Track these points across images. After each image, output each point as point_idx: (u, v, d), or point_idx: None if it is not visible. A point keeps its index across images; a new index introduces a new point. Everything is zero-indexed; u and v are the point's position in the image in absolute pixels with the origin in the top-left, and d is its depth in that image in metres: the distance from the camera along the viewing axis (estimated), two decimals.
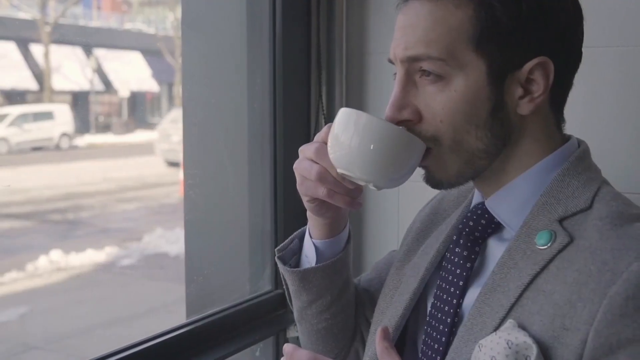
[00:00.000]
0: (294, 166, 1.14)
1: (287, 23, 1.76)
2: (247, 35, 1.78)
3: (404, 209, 1.82)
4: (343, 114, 1.06)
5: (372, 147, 1.01)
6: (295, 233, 1.29)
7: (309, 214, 1.22)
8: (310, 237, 1.25)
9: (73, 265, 6.08)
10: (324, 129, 1.10)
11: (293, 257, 1.28)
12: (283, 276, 1.28)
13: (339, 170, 1.06)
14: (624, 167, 1.52)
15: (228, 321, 1.65)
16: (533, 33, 1.01)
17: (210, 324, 1.60)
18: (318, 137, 1.12)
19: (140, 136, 10.62)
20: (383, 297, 1.25)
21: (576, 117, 1.53)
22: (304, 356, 0.96)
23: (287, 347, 1.00)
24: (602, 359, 0.90)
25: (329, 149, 1.07)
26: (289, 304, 1.33)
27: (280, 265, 1.26)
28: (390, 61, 1.09)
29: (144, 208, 7.82)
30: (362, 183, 1.07)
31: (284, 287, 1.31)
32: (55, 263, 5.97)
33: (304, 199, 1.17)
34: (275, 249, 1.27)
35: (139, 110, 11.01)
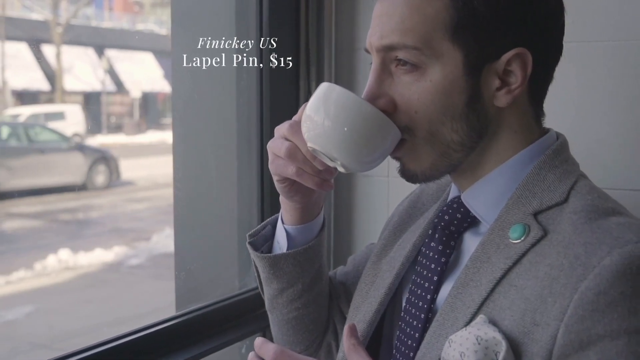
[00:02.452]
0: (267, 144, 1.13)
1: (275, 18, 1.74)
2: (236, 30, 1.77)
3: (394, 201, 1.80)
4: (323, 88, 1.03)
5: (349, 125, 0.99)
6: (268, 219, 1.28)
7: (281, 198, 1.21)
8: (283, 223, 1.24)
9: (81, 264, 6.09)
10: (302, 107, 1.08)
11: (266, 244, 1.26)
12: (254, 262, 1.26)
13: (309, 144, 1.04)
14: (618, 163, 1.50)
15: (214, 316, 1.65)
16: (511, 24, 0.99)
17: (197, 318, 1.61)
18: (296, 116, 1.11)
19: (151, 136, 10.65)
20: (358, 292, 1.23)
21: (567, 113, 1.52)
22: (271, 349, 0.95)
23: (257, 341, 0.99)
24: (573, 356, 0.88)
25: (302, 123, 1.04)
26: (260, 292, 1.32)
27: (251, 251, 1.24)
28: (367, 51, 1.07)
29: (154, 208, 7.83)
30: (331, 163, 1.05)
31: (256, 274, 1.29)
32: (63, 262, 5.99)
33: (275, 179, 1.15)
34: (247, 235, 1.25)
35: (151, 110, 11.05)
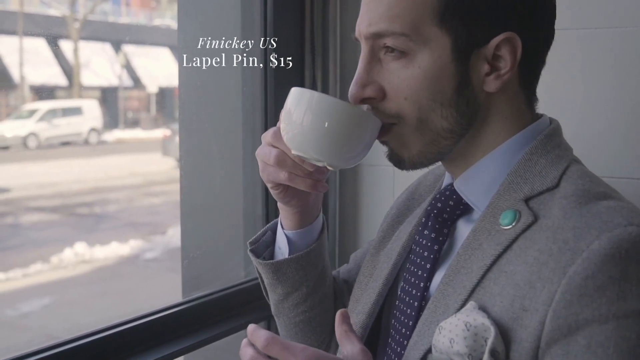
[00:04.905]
0: (256, 153, 1.13)
1: (280, 9, 1.75)
2: (241, 19, 1.78)
3: (399, 191, 1.79)
4: (293, 93, 1.04)
5: (324, 126, 0.99)
6: (268, 225, 1.28)
7: (279, 204, 1.21)
8: (282, 228, 1.24)
9: (97, 257, 6.15)
10: (281, 113, 1.08)
11: (267, 250, 1.26)
12: (257, 269, 1.27)
13: (293, 152, 1.05)
14: (623, 151, 1.50)
15: (220, 304, 1.67)
16: (499, 8, 0.98)
17: (202, 305, 1.63)
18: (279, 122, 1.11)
19: (168, 131, 10.69)
20: (358, 285, 1.24)
21: (570, 101, 1.51)
22: (262, 336, 0.94)
23: (249, 327, 0.99)
24: (561, 340, 0.88)
25: (282, 131, 1.05)
26: (266, 297, 1.32)
27: (253, 258, 1.24)
28: (356, 39, 1.07)
29: (170, 202, 7.87)
30: (319, 164, 1.05)
31: (260, 280, 1.30)
32: (80, 255, 6.05)
33: (269, 187, 1.15)
34: (248, 242, 1.26)
35: (167, 105, 11.08)
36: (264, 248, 1.26)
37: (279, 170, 1.09)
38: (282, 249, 1.24)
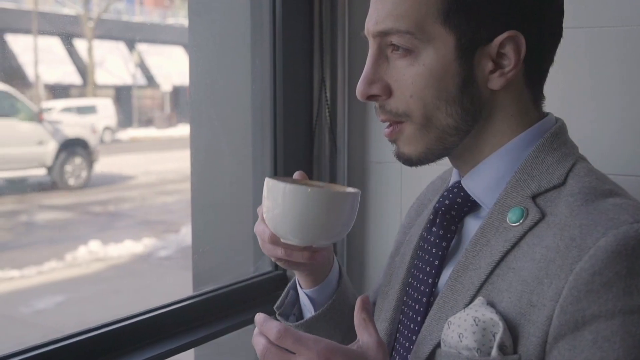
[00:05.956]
0: (254, 229, 1.16)
1: (288, 5, 1.76)
2: (251, 18, 1.79)
3: (407, 187, 1.82)
4: (266, 185, 1.05)
5: (299, 215, 1.01)
6: (288, 285, 1.30)
7: None
8: (301, 287, 1.25)
9: (111, 255, 6.18)
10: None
11: (294, 307, 1.28)
12: None
13: (281, 239, 1.07)
14: (633, 150, 1.50)
15: (230, 298, 1.70)
16: (503, 7, 0.99)
17: (212, 299, 1.66)
18: None
19: (182, 130, 10.72)
20: (380, 296, 1.25)
21: (577, 99, 1.51)
22: (274, 327, 0.95)
23: (258, 317, 0.99)
24: (568, 336, 0.89)
25: (265, 218, 1.07)
26: None
27: (283, 322, 1.25)
28: (365, 37, 1.08)
29: (184, 201, 7.89)
30: (303, 244, 1.07)
31: None
32: (93, 253, 6.08)
33: (272, 259, 1.17)
34: (274, 307, 1.27)
35: (181, 104, 11.11)
36: (290, 307, 1.28)
37: (276, 248, 1.12)
38: (306, 305, 1.26)
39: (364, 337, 0.97)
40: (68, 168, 6.33)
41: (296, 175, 1.15)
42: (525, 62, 1.01)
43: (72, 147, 6.36)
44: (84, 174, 6.51)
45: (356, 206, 1.05)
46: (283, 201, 1.01)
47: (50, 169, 6.15)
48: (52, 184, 6.25)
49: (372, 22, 1.03)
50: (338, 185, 1.16)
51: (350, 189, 1.08)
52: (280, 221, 1.03)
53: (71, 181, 6.34)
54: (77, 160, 6.44)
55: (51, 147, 6.13)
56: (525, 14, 1.00)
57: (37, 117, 6.31)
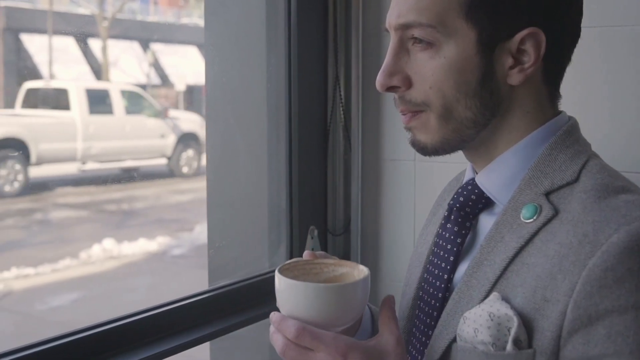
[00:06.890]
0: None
1: (303, 3, 1.77)
2: (266, 17, 1.80)
3: (420, 184, 1.82)
4: (277, 282, 1.02)
5: (309, 311, 0.97)
6: None
7: None
8: None
9: (125, 253, 6.21)
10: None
11: None
12: None
13: None
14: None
15: (244, 292, 1.72)
16: (524, 4, 1.00)
17: (227, 294, 1.68)
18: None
19: None
20: (402, 296, 1.25)
21: (591, 97, 1.52)
22: (292, 326, 0.95)
23: (274, 316, 0.99)
24: (581, 330, 0.90)
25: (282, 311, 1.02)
26: None
27: None
28: (387, 30, 1.10)
29: (198, 200, 7.92)
30: None
31: None
32: (108, 251, 6.11)
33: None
34: None
35: (195, 103, 11.15)
36: None
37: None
38: None
39: (385, 333, 1.00)
40: (183, 157, 7.58)
41: (305, 255, 1.11)
42: (544, 59, 1.02)
43: (187, 140, 7.65)
44: (194, 164, 7.73)
45: (367, 288, 1.02)
46: (297, 298, 0.98)
47: (169, 159, 7.52)
48: (170, 171, 7.63)
49: (395, 15, 1.05)
50: (348, 263, 1.10)
51: (362, 270, 1.05)
52: (302, 315, 0.98)
53: (184, 169, 7.67)
54: (190, 152, 7.68)
55: (171, 140, 7.53)
56: (547, 11, 1.01)
57: (162, 113, 7.88)
